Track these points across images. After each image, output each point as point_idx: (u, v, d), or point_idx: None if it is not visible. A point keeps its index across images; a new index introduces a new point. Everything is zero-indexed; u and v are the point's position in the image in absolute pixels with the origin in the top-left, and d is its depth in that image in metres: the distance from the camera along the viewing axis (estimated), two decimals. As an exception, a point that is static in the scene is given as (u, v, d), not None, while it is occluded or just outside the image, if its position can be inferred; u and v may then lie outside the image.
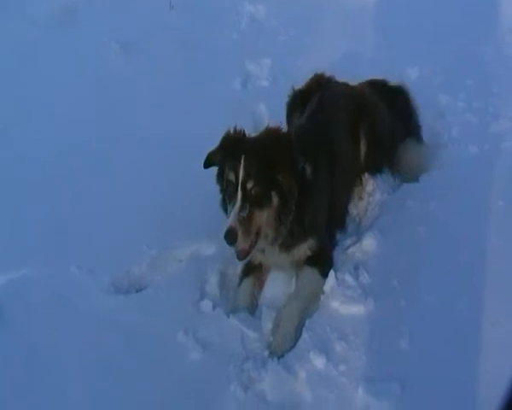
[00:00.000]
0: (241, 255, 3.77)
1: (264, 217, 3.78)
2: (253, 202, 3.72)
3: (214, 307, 3.93)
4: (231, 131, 3.95)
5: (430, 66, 6.09)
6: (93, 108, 5.71)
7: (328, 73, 5.15)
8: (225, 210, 3.93)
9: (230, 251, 3.94)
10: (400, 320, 3.70)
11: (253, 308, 3.99)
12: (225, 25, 7.00)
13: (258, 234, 3.79)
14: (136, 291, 4.13)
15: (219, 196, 4.00)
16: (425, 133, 5.22)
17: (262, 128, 4.24)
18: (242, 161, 3.72)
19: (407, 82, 5.84)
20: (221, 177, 3.94)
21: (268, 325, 3.80)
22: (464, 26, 6.61)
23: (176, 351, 3.65)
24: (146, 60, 6.37)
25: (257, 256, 4.05)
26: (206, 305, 3.94)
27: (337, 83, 5.10)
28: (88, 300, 3.99)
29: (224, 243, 3.67)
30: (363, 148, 4.80)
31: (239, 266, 4.10)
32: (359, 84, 5.11)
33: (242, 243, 3.68)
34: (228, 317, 3.85)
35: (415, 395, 3.30)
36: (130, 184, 4.81)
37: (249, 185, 3.70)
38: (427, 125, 5.29)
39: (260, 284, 4.11)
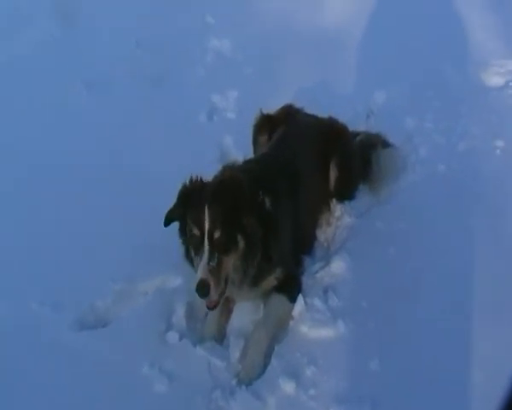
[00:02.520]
0: (211, 305, 3.68)
1: (231, 262, 3.71)
2: (221, 249, 3.64)
3: (181, 338, 3.84)
4: (187, 183, 3.87)
5: (397, 89, 6.07)
6: (58, 147, 5.61)
7: (297, 105, 5.17)
8: (190, 261, 3.87)
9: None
10: (370, 341, 3.68)
11: (220, 338, 3.91)
12: (191, 60, 6.95)
13: (227, 281, 3.71)
14: (102, 326, 4.01)
15: (182, 248, 3.92)
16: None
17: (224, 165, 4.26)
18: (206, 211, 3.63)
19: (375, 106, 5.92)
20: (184, 230, 3.86)
21: (236, 354, 3.73)
22: (429, 47, 6.63)
23: (141, 384, 3.56)
24: (112, 98, 6.28)
25: None
26: (173, 336, 3.85)
27: (306, 114, 5.13)
28: (52, 337, 3.88)
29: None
30: (332, 176, 4.79)
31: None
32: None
33: (214, 294, 3.59)
34: (195, 347, 3.77)
35: (386, 416, 3.26)
36: (93, 217, 4.71)
37: (216, 235, 3.62)
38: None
39: (228, 314, 4.03)
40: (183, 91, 6.41)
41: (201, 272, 3.55)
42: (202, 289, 3.53)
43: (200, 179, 3.90)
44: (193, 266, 3.82)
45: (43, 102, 6.24)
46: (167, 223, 3.89)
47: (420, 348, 3.59)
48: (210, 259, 3.58)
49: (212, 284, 3.54)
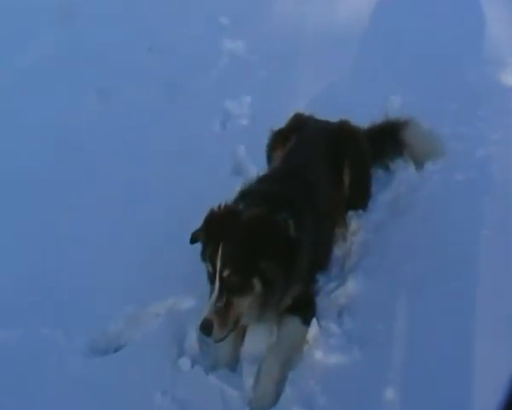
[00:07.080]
0: (217, 340, 3.62)
1: (245, 304, 3.62)
2: (232, 290, 3.56)
3: (193, 365, 3.77)
4: (215, 208, 3.79)
5: (413, 92, 5.95)
6: (70, 156, 5.57)
7: (307, 113, 5.07)
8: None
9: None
10: (386, 367, 3.57)
11: (234, 364, 3.82)
12: (205, 64, 6.86)
13: (237, 320, 3.64)
14: (114, 351, 3.96)
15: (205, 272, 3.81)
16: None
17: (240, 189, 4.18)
18: (220, 249, 3.55)
19: (391, 111, 5.79)
20: (205, 255, 3.76)
21: (249, 381, 3.64)
22: (445, 49, 6.54)
23: (154, 414, 3.50)
24: (123, 104, 6.24)
25: None
26: (185, 363, 3.77)
27: (316, 121, 5.02)
28: (63, 363, 3.83)
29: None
30: (346, 179, 4.70)
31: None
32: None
33: (218, 334, 3.53)
34: (207, 375, 3.69)
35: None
36: (101, 237, 4.65)
37: (226, 274, 3.53)
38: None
39: (241, 338, 3.92)
40: (196, 97, 6.33)
41: (207, 310, 3.51)
42: (205, 328, 3.50)
43: (230, 208, 3.80)
44: None
45: (56, 112, 6.15)
46: (192, 242, 3.87)
47: (438, 374, 3.48)
48: (218, 299, 3.52)
49: (215, 324, 3.48)
